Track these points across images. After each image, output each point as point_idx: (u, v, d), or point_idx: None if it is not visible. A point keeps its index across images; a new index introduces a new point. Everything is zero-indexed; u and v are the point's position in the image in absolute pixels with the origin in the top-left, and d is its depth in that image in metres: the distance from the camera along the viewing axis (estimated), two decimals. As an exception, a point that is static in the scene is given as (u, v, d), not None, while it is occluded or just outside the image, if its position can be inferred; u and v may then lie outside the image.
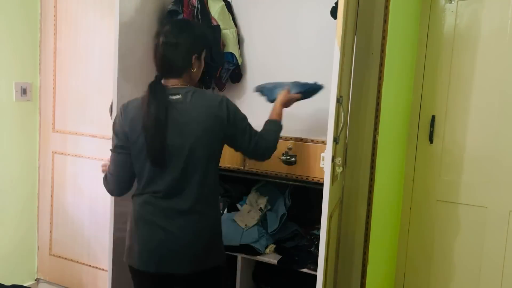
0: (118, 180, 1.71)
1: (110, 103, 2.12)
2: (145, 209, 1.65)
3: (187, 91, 1.65)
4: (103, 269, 2.63)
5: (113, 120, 1.76)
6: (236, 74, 2.49)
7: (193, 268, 1.65)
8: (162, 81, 1.69)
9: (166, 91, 1.64)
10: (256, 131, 1.77)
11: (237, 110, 1.72)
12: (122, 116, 1.68)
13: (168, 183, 1.62)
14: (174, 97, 1.63)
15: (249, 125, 1.75)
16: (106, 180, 1.75)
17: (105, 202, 2.58)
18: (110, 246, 2.09)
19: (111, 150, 1.72)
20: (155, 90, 1.63)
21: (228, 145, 1.75)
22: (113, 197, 1.99)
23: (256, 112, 2.54)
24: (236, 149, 1.78)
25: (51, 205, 2.77)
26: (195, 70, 1.71)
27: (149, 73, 2.22)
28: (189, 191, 1.63)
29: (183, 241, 1.62)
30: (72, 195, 2.70)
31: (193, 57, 1.68)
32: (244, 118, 1.74)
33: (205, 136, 1.62)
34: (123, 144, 1.67)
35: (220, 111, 1.64)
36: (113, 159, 1.70)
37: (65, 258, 2.75)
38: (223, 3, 2.44)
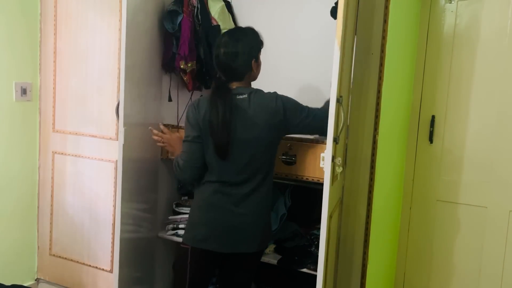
0: (192, 167, 1.90)
1: (116, 103, 2.12)
2: (216, 197, 1.88)
3: (250, 91, 1.88)
4: (103, 269, 2.63)
5: (186, 114, 1.94)
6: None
7: (257, 248, 1.92)
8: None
9: (232, 91, 1.86)
10: (314, 108, 1.92)
11: (289, 100, 1.90)
12: (196, 111, 1.88)
13: (235, 173, 1.86)
14: (240, 97, 1.86)
15: (306, 106, 1.91)
16: (178, 167, 1.92)
17: (105, 202, 2.58)
18: (117, 246, 2.11)
19: (186, 140, 1.91)
20: (221, 90, 1.86)
21: (299, 132, 1.93)
22: (119, 198, 2.09)
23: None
24: (308, 131, 1.95)
25: (51, 205, 2.77)
26: (254, 71, 1.93)
27: (151, 72, 2.24)
28: (253, 178, 1.86)
29: (249, 219, 1.87)
30: (72, 195, 2.70)
31: (252, 61, 1.90)
32: (297, 103, 1.91)
33: (267, 129, 1.84)
34: (198, 135, 1.87)
35: (277, 106, 1.85)
36: (189, 148, 1.90)
37: (65, 258, 2.75)
38: (223, 3, 2.44)
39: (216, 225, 1.88)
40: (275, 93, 1.91)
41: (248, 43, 1.91)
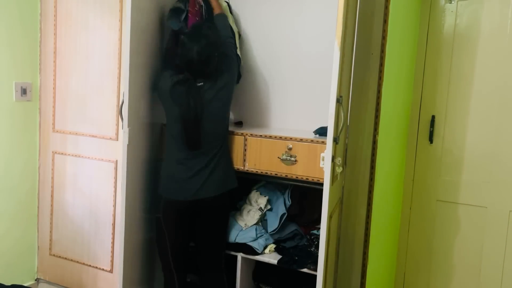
0: None
1: (120, 104, 2.13)
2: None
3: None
4: (103, 269, 2.63)
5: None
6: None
7: (214, 192, 2.12)
8: None
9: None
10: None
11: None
12: None
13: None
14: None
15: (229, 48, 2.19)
16: None
17: (105, 202, 2.58)
18: (121, 247, 2.11)
19: None
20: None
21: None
22: (123, 199, 2.11)
23: (254, 113, 2.55)
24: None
25: (51, 205, 2.77)
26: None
27: (153, 72, 2.25)
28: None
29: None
30: (72, 195, 2.70)
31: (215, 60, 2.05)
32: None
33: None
34: None
35: None
36: None
37: (65, 258, 2.75)
38: (225, 3, 2.44)
39: (175, 179, 2.12)
40: None
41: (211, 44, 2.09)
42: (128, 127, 2.08)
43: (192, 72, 2.07)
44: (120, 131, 2.49)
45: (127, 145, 2.09)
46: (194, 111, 2.03)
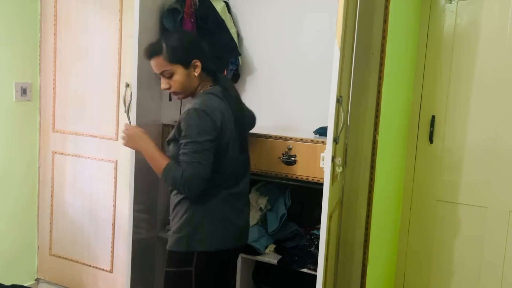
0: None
1: (128, 103, 2.14)
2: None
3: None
4: (103, 269, 2.63)
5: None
6: (235, 75, 2.49)
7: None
8: None
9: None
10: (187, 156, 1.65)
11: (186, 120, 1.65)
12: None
13: None
14: None
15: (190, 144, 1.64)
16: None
17: (105, 202, 2.58)
18: (129, 247, 2.15)
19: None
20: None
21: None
22: (131, 199, 2.12)
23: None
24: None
25: (51, 205, 2.77)
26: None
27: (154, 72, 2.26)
28: None
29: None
30: (72, 195, 2.70)
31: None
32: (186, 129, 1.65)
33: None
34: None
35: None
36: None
37: (65, 258, 2.75)
38: (223, 3, 2.44)
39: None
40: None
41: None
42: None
43: None
44: (120, 131, 2.49)
45: None
46: None
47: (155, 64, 1.74)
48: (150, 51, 1.75)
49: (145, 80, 2.15)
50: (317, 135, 2.11)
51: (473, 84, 2.35)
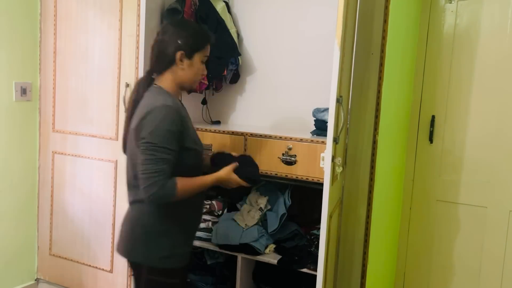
0: None
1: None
2: None
3: (150, 90, 1.68)
4: (103, 269, 2.63)
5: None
6: (234, 74, 2.49)
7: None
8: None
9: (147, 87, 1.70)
10: (152, 166, 1.55)
11: (149, 122, 1.57)
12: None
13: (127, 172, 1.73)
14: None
15: (151, 149, 1.56)
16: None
17: (105, 202, 2.58)
18: None
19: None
20: (139, 85, 1.71)
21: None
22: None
23: (251, 113, 2.55)
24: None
25: (51, 205, 2.77)
26: (179, 66, 1.67)
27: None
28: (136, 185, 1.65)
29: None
30: (72, 195, 2.70)
31: (178, 53, 1.65)
32: (152, 130, 1.56)
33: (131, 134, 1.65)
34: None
35: (140, 117, 1.60)
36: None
37: (65, 258, 2.75)
38: (223, 3, 2.44)
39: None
40: (152, 104, 1.59)
41: (181, 33, 1.66)
42: None
43: None
44: (120, 131, 2.48)
45: None
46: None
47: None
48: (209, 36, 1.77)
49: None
50: (314, 136, 2.11)
51: (473, 84, 2.35)
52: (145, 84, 1.69)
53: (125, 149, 1.73)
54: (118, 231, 1.78)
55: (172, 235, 1.70)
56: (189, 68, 1.68)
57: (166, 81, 1.69)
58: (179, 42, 1.64)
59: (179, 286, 1.75)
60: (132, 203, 1.72)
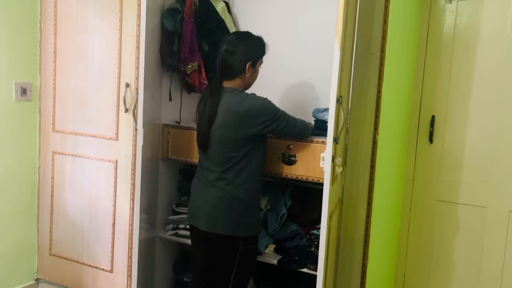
0: None
1: (134, 104, 2.16)
2: (198, 181, 2.08)
3: (233, 90, 1.96)
4: (103, 269, 2.63)
5: None
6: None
7: (222, 230, 1.97)
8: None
9: (221, 90, 1.97)
10: (289, 117, 1.98)
11: (258, 105, 1.92)
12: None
13: (212, 164, 1.99)
14: (224, 96, 1.96)
15: (281, 113, 1.95)
16: None
17: (105, 202, 2.58)
18: (135, 247, 2.17)
19: None
20: (211, 88, 2.01)
21: (272, 134, 2.01)
22: (137, 199, 2.17)
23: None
24: (278, 136, 2.06)
25: (51, 205, 2.77)
26: (247, 75, 1.98)
27: (156, 72, 2.26)
28: (226, 170, 1.94)
29: (215, 202, 1.99)
30: (72, 195, 2.70)
31: (248, 63, 1.96)
32: (267, 109, 1.93)
33: (230, 129, 1.91)
34: None
35: (240, 108, 1.90)
36: None
37: (65, 258, 2.75)
38: (223, 3, 2.44)
39: (196, 205, 2.04)
40: (248, 95, 1.95)
41: (249, 45, 2.00)
42: (143, 127, 2.13)
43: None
44: (120, 131, 2.49)
45: (142, 145, 2.14)
46: (205, 109, 2.02)
47: None
48: None
49: (149, 80, 2.16)
50: (315, 136, 2.11)
51: (473, 84, 2.35)
52: (219, 88, 1.98)
53: (205, 147, 1.98)
54: (205, 215, 1.98)
55: (259, 206, 2.07)
56: (253, 75, 2.02)
57: (236, 84, 1.99)
58: (248, 55, 1.96)
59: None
60: (223, 186, 1.96)
